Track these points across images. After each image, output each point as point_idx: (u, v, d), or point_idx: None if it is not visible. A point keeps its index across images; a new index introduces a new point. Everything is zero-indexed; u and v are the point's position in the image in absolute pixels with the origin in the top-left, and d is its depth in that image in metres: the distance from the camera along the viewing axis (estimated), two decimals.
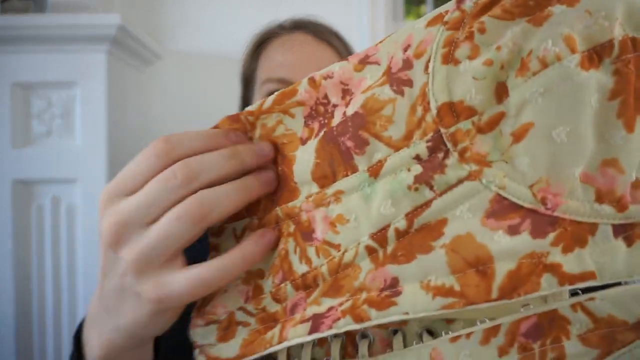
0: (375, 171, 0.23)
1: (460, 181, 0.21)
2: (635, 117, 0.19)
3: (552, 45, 0.19)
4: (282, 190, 0.26)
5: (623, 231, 0.20)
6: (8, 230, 0.95)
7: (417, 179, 0.21)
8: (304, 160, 0.25)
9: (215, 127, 0.27)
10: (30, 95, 0.97)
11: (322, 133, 0.25)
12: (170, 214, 0.23)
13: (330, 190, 0.24)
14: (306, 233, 0.25)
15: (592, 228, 0.20)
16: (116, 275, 0.25)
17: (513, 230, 0.20)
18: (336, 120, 0.24)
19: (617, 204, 0.20)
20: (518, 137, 0.20)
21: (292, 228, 0.25)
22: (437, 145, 0.21)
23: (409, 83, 0.22)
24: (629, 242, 0.20)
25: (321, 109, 0.25)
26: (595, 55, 0.19)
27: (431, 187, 0.21)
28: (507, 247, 0.20)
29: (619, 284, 0.21)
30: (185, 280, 0.23)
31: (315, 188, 0.25)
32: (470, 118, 0.20)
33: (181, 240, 0.23)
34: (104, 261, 0.25)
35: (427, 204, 0.22)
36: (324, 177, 0.24)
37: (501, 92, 0.20)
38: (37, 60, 0.96)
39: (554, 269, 0.20)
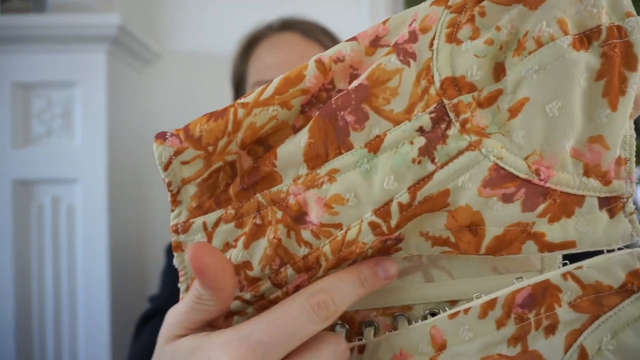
0: (375, 146, 0.23)
1: (460, 152, 0.22)
2: (618, 97, 0.21)
3: (547, 27, 0.20)
4: (257, 176, 0.25)
5: (607, 204, 0.22)
6: (8, 230, 0.95)
7: (421, 151, 0.22)
8: (294, 142, 0.24)
9: (192, 124, 0.25)
10: (30, 95, 0.97)
11: (317, 112, 0.24)
12: None
13: (323, 170, 0.23)
14: (298, 217, 0.24)
15: (580, 200, 0.22)
16: None
17: (507, 199, 0.22)
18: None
19: (602, 179, 0.22)
20: (514, 112, 0.21)
21: (279, 214, 0.24)
22: (440, 117, 0.22)
23: (414, 56, 0.22)
24: (612, 214, 0.22)
25: (324, 95, 0.24)
26: (585, 38, 0.21)
27: (433, 160, 0.22)
28: (498, 215, 0.22)
29: (601, 252, 0.23)
30: None
31: (304, 170, 0.24)
32: (470, 93, 0.22)
33: None
34: None
35: (429, 176, 0.22)
36: (316, 157, 0.24)
37: (499, 71, 0.22)
38: (37, 60, 0.96)
39: (537, 237, 0.22)
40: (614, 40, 0.21)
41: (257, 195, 0.25)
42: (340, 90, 0.24)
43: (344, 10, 1.26)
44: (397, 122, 0.22)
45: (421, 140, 0.22)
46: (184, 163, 0.25)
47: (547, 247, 0.22)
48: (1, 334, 0.95)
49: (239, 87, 0.71)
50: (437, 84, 0.22)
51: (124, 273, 1.07)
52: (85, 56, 0.96)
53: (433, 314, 0.25)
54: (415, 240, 0.23)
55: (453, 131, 0.22)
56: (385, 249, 0.24)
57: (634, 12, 0.21)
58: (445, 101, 0.22)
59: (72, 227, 0.98)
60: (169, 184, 0.26)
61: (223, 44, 1.25)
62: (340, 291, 0.22)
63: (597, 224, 0.22)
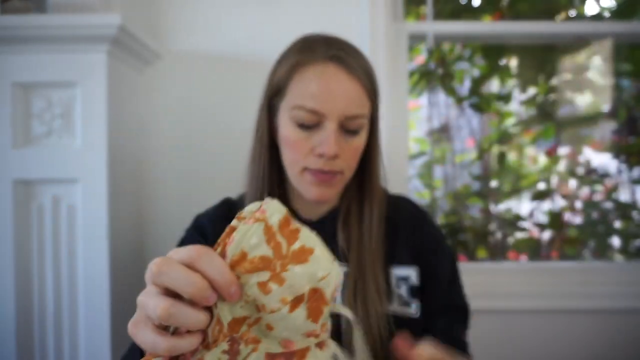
0: None
1: (248, 354, 0.38)
2: (319, 319, 0.38)
3: (274, 303, 0.36)
4: None
5: (319, 345, 0.40)
6: (8, 230, 0.95)
7: None
8: None
9: None
10: (30, 95, 0.97)
11: None
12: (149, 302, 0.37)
13: None
14: None
15: (307, 348, 0.40)
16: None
17: None
18: None
19: (315, 336, 0.39)
20: (270, 328, 0.38)
21: None
22: (234, 341, 0.38)
23: (211, 309, 0.37)
24: (322, 348, 0.40)
25: None
26: (297, 300, 0.37)
27: None
28: None
29: None
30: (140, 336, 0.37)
31: None
32: (245, 322, 0.38)
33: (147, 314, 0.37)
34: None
35: None
36: None
37: (260, 308, 0.37)
38: (38, 60, 0.96)
39: None
40: (312, 298, 0.37)
41: None
42: None
43: (344, 11, 1.26)
44: (209, 349, 0.37)
45: (225, 357, 0.38)
46: None
47: None
48: (2, 334, 0.95)
49: (276, 93, 0.74)
50: (226, 326, 0.37)
51: (124, 273, 1.07)
52: (85, 56, 0.96)
53: None
54: None
55: (242, 346, 0.38)
56: None
57: (325, 274, 0.37)
58: (235, 335, 0.38)
59: (72, 227, 0.98)
60: None
61: (223, 44, 1.26)
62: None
63: (320, 357, 0.40)
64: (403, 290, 0.76)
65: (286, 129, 0.72)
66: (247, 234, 0.36)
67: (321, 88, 0.69)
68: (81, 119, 0.97)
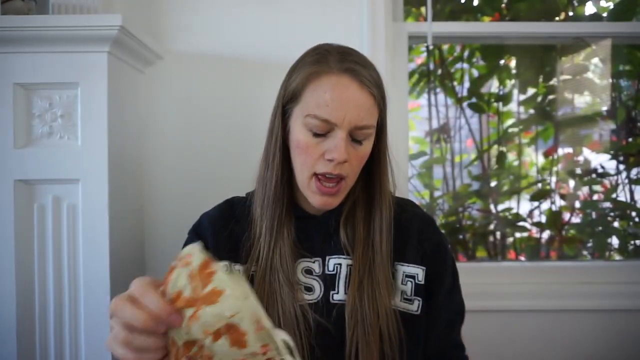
0: None
1: None
2: (245, 345, 0.44)
3: (199, 334, 0.42)
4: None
5: None
6: (10, 230, 0.95)
7: None
8: None
9: None
10: (31, 95, 0.97)
11: None
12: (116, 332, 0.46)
13: None
14: None
15: None
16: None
17: None
18: None
19: (261, 353, 0.44)
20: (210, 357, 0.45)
21: None
22: (190, 358, 0.43)
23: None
24: None
25: None
26: (217, 333, 0.42)
27: None
28: None
29: None
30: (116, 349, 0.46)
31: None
32: (196, 344, 0.44)
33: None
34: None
35: None
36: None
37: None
38: (39, 61, 0.96)
39: None
40: (230, 330, 0.43)
41: None
42: None
43: (344, 11, 1.26)
44: None
45: None
46: None
47: None
48: (3, 334, 0.95)
49: (293, 99, 0.77)
50: (182, 347, 0.44)
51: (124, 272, 1.07)
52: (86, 57, 0.97)
53: None
54: None
55: None
56: None
57: (234, 313, 0.42)
58: (189, 354, 0.44)
59: (73, 227, 0.98)
60: None
61: (223, 44, 1.26)
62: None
63: None
64: (408, 287, 0.79)
65: (298, 134, 0.75)
66: (179, 276, 0.43)
67: (334, 98, 0.72)
68: (82, 120, 0.97)
